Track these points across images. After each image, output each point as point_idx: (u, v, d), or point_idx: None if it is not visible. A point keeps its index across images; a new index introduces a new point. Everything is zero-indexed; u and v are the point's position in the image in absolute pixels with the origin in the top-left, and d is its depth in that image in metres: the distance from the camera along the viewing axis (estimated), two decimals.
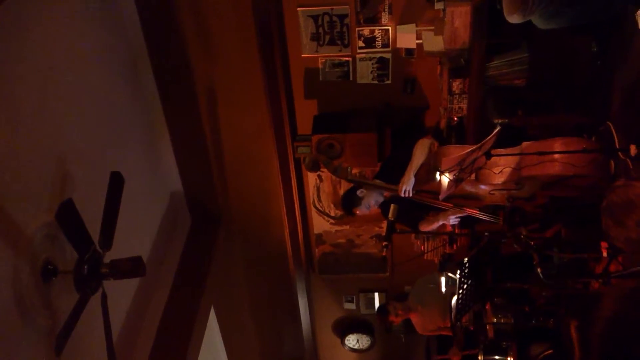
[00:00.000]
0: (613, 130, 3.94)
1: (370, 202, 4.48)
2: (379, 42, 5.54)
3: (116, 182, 3.86)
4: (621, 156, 3.83)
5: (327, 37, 5.56)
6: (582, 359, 4.14)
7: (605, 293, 3.97)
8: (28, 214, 3.57)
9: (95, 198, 3.92)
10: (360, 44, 5.56)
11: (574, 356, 4.27)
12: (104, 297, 3.75)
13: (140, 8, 5.27)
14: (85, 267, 3.60)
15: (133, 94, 5.38)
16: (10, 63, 3.53)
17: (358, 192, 4.51)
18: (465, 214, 4.48)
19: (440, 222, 4.59)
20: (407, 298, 6.09)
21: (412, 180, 4.26)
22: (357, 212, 4.56)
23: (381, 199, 4.51)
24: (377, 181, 4.47)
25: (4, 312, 3.35)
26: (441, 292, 5.76)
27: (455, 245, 5.55)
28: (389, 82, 5.72)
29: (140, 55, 5.44)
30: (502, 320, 5.11)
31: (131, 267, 3.79)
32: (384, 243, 4.28)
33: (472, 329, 5.40)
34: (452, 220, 4.58)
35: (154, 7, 5.31)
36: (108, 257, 3.78)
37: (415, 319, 5.99)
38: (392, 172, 4.37)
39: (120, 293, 4.66)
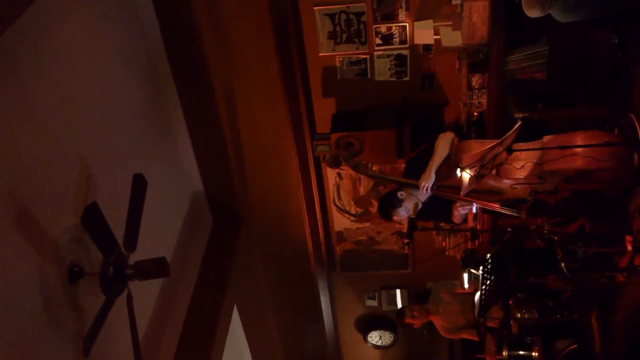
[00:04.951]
0: (636, 122, 3.90)
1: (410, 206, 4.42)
2: (396, 39, 5.52)
3: (139, 185, 3.89)
4: None
5: (344, 36, 5.56)
6: (604, 347, 4.11)
7: (626, 282, 3.95)
8: (54, 218, 3.62)
9: (118, 200, 3.97)
10: (378, 41, 5.55)
11: (596, 346, 4.25)
12: (130, 298, 3.79)
13: (159, 10, 5.31)
14: (111, 268, 3.63)
15: (153, 96, 5.42)
16: (33, 68, 3.58)
17: (398, 194, 4.45)
18: (482, 208, 4.46)
19: (460, 210, 4.58)
20: (428, 300, 6.09)
21: (433, 177, 4.25)
22: (395, 217, 4.49)
23: (420, 204, 4.44)
24: (397, 177, 4.47)
25: (33, 314, 3.40)
26: (459, 294, 5.76)
27: (477, 241, 5.53)
28: (407, 78, 5.70)
29: (159, 57, 5.47)
30: (526, 316, 5.09)
31: (155, 268, 3.82)
32: (406, 240, 4.27)
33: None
34: (462, 210, 4.56)
35: (172, 9, 5.34)
36: (132, 259, 3.82)
37: (436, 322, 5.97)
38: (419, 171, 4.35)
39: (145, 294, 4.71)
